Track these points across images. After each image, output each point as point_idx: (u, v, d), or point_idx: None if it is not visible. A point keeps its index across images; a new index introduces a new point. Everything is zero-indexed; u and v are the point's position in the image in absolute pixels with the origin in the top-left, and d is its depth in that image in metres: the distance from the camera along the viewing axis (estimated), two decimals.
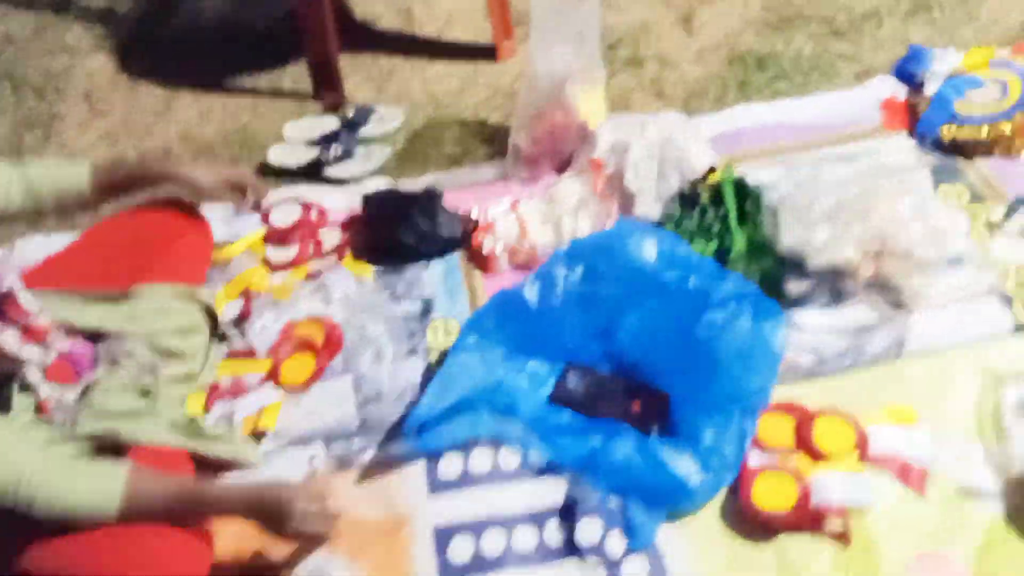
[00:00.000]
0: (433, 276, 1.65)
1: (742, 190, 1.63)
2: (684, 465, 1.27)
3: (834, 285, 1.53)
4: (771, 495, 1.27)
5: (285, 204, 1.80)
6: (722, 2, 2.25)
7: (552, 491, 1.32)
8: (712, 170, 1.69)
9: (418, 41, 2.28)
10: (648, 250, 1.44)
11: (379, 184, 1.84)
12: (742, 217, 1.61)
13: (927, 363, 1.42)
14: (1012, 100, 1.69)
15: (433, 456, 1.37)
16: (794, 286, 1.53)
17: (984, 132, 1.69)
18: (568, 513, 1.29)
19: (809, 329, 1.50)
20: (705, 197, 1.66)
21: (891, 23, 2.09)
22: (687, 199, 1.68)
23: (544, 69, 1.74)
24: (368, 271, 1.68)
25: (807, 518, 1.24)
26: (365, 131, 1.97)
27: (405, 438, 1.37)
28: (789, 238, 1.53)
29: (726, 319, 1.35)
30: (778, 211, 1.56)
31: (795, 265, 1.53)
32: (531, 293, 1.44)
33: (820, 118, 1.86)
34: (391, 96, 2.12)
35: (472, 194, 1.79)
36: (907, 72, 1.88)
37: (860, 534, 1.23)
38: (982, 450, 1.30)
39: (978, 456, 1.30)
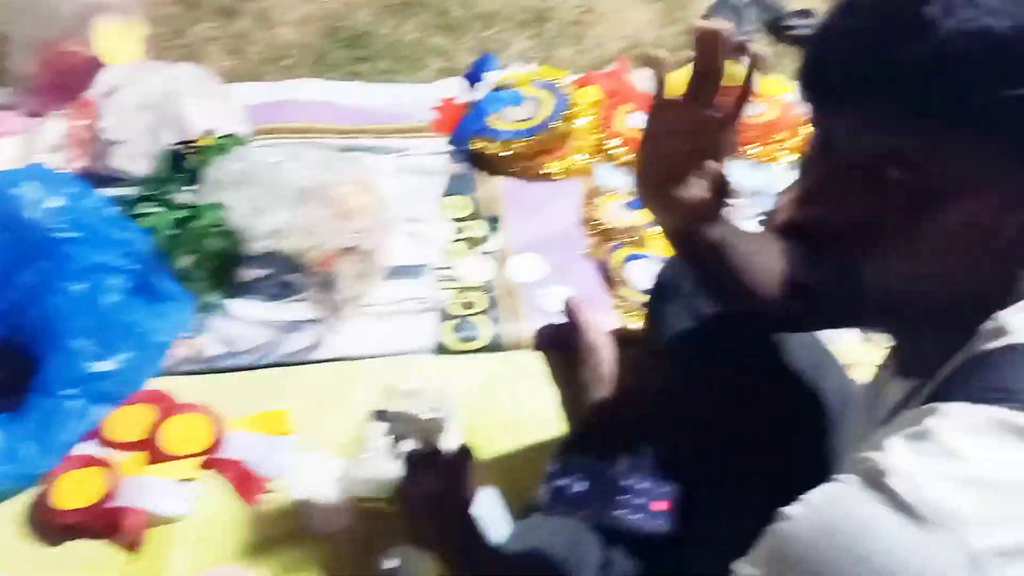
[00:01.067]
0: None
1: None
2: None
3: (285, 276, 1.43)
4: (74, 493, 1.14)
5: None
6: None
7: None
8: (210, 135, 1.55)
9: None
10: (45, 201, 1.28)
11: None
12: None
13: (333, 369, 1.34)
14: (537, 120, 1.64)
15: None
16: (244, 272, 1.42)
17: (508, 148, 1.63)
18: None
19: (239, 319, 1.39)
20: (193, 162, 1.53)
21: (501, 27, 2.03)
22: (176, 161, 1.54)
23: None
24: None
25: (100, 521, 1.12)
26: None
27: None
28: (240, 219, 1.41)
29: (86, 292, 1.21)
30: (239, 188, 1.44)
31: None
32: None
33: (373, 106, 1.77)
34: None
35: None
36: (475, 78, 1.82)
37: (156, 543, 1.12)
38: (342, 466, 1.22)
39: (336, 473, 1.22)
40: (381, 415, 0.99)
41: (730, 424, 0.94)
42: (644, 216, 1.53)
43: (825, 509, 0.51)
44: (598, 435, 1.14)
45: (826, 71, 0.56)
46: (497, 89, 1.71)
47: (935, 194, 0.54)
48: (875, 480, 0.50)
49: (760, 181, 1.64)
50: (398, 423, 0.97)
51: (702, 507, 0.97)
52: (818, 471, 0.61)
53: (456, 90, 1.81)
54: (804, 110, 0.59)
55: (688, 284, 1.05)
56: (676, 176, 0.73)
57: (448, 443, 0.97)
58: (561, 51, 1.99)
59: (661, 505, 1.03)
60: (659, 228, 0.81)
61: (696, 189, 0.74)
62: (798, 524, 0.52)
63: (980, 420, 0.51)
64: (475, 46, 1.97)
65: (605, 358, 1.29)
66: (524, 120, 1.66)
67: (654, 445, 1.06)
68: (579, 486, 1.04)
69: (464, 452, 0.93)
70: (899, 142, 0.53)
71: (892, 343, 0.71)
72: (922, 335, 0.64)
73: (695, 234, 0.78)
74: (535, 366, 1.36)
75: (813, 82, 0.58)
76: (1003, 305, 0.57)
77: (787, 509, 0.52)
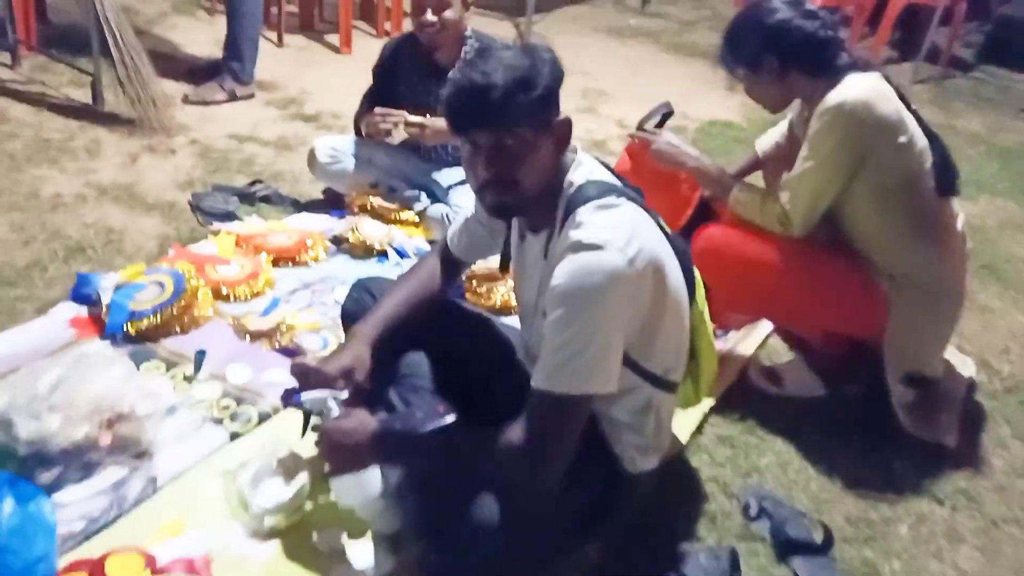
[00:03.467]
0: None
1: None
2: None
3: (81, 460, 1.75)
4: None
5: None
6: None
7: None
8: None
9: None
10: None
11: None
12: None
13: (181, 485, 1.75)
14: (168, 293, 2.19)
15: None
16: (45, 476, 1.70)
17: (157, 319, 2.15)
18: None
19: (73, 503, 1.68)
20: None
21: (54, 267, 2.44)
22: None
23: None
24: None
25: None
26: None
27: None
28: (26, 434, 1.69)
29: None
30: (10, 417, 1.71)
31: (40, 456, 1.71)
32: None
33: (19, 348, 2.07)
34: None
35: None
36: (83, 295, 2.25)
37: None
38: (240, 525, 1.67)
39: (239, 530, 1.66)
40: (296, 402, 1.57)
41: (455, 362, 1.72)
42: (274, 318, 2.25)
43: (569, 272, 1.38)
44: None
45: (457, 106, 1.45)
46: (119, 287, 2.20)
47: (526, 147, 1.48)
48: (576, 247, 1.40)
49: None
50: (316, 404, 1.57)
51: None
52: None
53: (75, 309, 2.22)
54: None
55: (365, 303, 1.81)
56: None
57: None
58: (115, 261, 2.50)
59: (441, 408, 1.78)
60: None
61: None
62: (558, 284, 1.40)
63: (591, 208, 1.46)
64: (49, 284, 2.35)
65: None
66: (158, 295, 2.19)
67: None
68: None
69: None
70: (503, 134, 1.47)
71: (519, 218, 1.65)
72: (542, 202, 1.58)
73: None
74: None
75: (450, 114, 1.48)
76: (564, 174, 1.54)
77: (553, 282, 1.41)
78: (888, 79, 2.08)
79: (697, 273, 1.68)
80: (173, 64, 4.05)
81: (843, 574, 1.73)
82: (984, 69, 5.99)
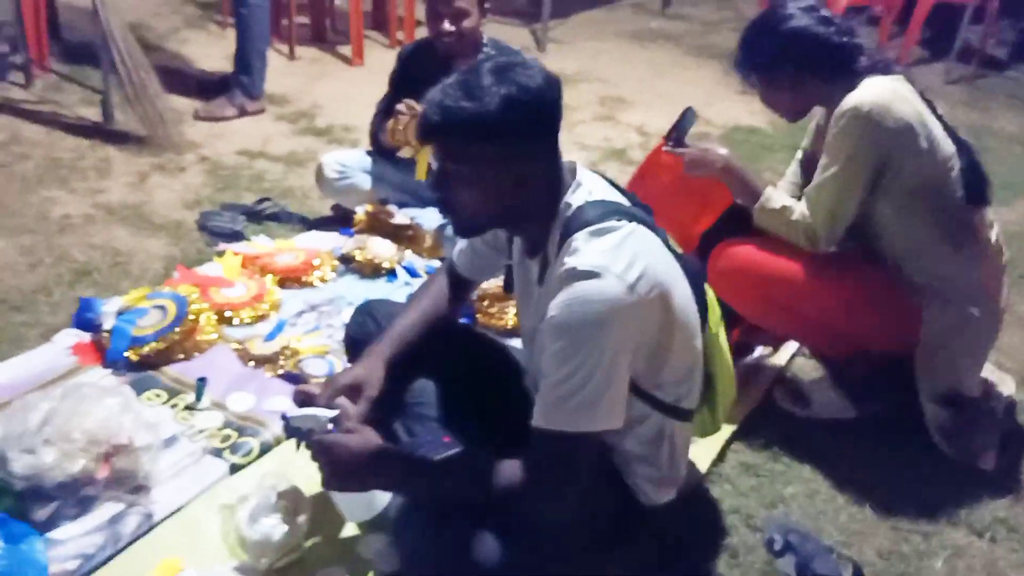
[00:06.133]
0: None
1: None
2: None
3: (78, 495, 1.69)
4: None
5: None
6: None
7: None
8: None
9: None
10: None
11: None
12: None
13: (178, 521, 1.69)
14: (171, 317, 2.14)
15: None
16: (41, 512, 1.65)
17: (160, 345, 2.10)
18: None
19: (68, 540, 1.62)
20: None
21: (60, 291, 2.40)
22: None
23: None
24: None
25: None
26: None
27: None
28: (21, 468, 1.64)
29: None
30: (3, 452, 1.66)
31: (36, 491, 1.65)
32: None
33: (20, 376, 2.02)
34: None
35: None
36: (85, 320, 2.20)
37: None
38: (238, 564, 1.61)
39: (237, 570, 1.60)
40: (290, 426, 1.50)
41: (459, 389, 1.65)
42: (279, 343, 2.19)
43: (565, 303, 1.30)
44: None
45: (427, 120, 1.35)
46: (121, 312, 2.15)
47: (469, 180, 1.37)
48: (572, 276, 1.32)
49: None
50: (305, 422, 1.49)
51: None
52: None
53: (77, 335, 2.17)
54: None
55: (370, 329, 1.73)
56: None
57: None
58: (121, 284, 2.45)
59: (447, 439, 1.71)
60: None
61: None
62: (554, 316, 1.31)
63: (587, 233, 1.36)
64: (53, 309, 2.31)
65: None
66: (161, 320, 2.14)
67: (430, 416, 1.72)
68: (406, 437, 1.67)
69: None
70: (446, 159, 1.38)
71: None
72: (534, 227, 1.50)
73: None
74: None
75: (420, 126, 1.39)
76: (560, 197, 1.45)
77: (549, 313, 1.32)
78: (911, 81, 1.98)
79: (712, 295, 1.60)
80: (184, 80, 4.02)
81: None
82: (1019, 68, 5.80)
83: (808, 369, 2.35)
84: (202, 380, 2.01)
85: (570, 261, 1.32)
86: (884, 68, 1.98)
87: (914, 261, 1.96)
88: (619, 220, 1.37)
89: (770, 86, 2.04)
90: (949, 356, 1.99)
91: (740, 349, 2.28)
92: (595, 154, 3.74)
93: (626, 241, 1.34)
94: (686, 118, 2.19)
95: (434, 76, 2.75)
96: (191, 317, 2.17)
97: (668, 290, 1.37)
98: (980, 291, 1.98)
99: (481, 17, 2.57)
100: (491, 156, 1.34)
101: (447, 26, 2.51)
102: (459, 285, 1.77)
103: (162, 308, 2.18)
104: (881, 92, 1.88)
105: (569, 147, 3.78)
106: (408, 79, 2.72)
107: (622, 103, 4.41)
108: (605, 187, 1.47)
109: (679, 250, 1.50)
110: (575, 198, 1.41)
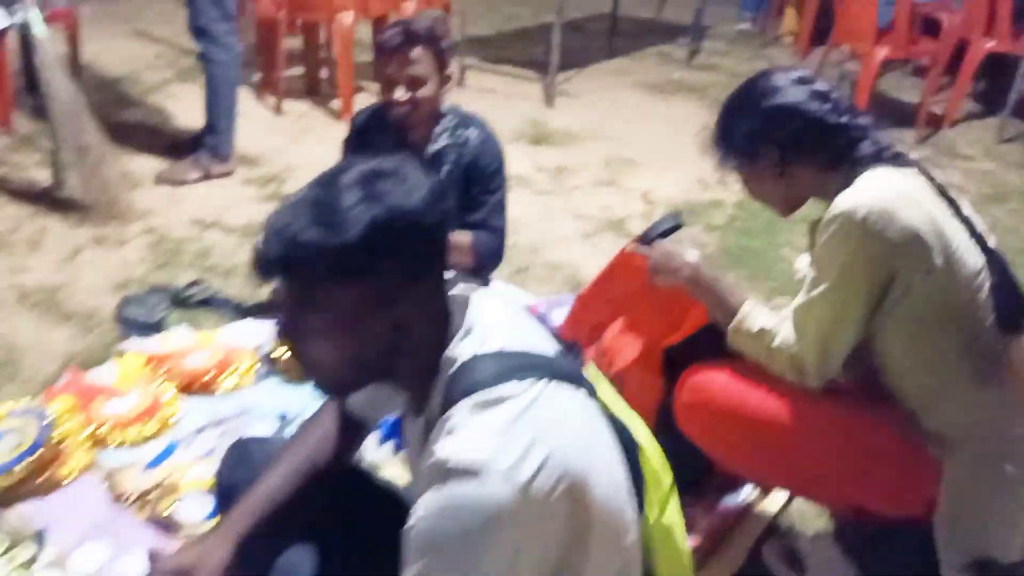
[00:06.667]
0: None
1: None
2: None
3: None
4: None
5: None
6: None
7: None
8: None
9: None
10: None
11: None
12: None
13: None
14: (26, 444, 1.80)
15: None
16: None
17: (11, 477, 1.75)
18: None
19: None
20: None
21: None
22: None
23: None
24: None
25: None
26: None
27: None
28: None
29: None
30: None
31: None
32: None
33: None
34: None
35: None
36: None
37: None
38: None
39: None
40: None
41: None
42: (165, 472, 1.83)
43: (432, 511, 0.94)
44: None
45: (264, 254, 0.99)
46: None
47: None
48: (442, 472, 0.93)
49: None
50: None
51: None
52: None
53: None
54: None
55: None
56: None
57: None
58: (6, 388, 2.13)
59: None
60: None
61: None
62: (417, 526, 0.94)
63: (470, 406, 0.98)
64: None
65: None
66: (14, 447, 1.79)
67: None
68: None
69: None
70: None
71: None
72: (413, 384, 1.12)
73: None
74: None
75: (255, 261, 1.01)
76: (443, 348, 1.06)
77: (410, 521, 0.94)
78: (928, 174, 1.56)
79: (656, 460, 1.20)
80: (157, 138, 3.76)
81: None
82: None
83: (810, 517, 1.90)
84: (40, 533, 1.65)
85: (443, 449, 0.96)
86: (893, 157, 1.56)
87: (931, 404, 1.53)
88: (521, 380, 1.00)
89: (752, 173, 1.65)
90: (978, 522, 1.54)
91: (721, 488, 1.87)
92: (590, 224, 3.35)
93: (523, 417, 0.97)
94: (666, 222, 1.80)
95: (388, 146, 2.52)
96: (56, 441, 1.83)
97: (583, 480, 1.00)
98: (1017, 441, 1.53)
99: (442, 85, 2.23)
100: (353, 301, 1.00)
101: (400, 95, 2.17)
102: (351, 427, 1.39)
103: (19, 431, 1.84)
104: (883, 192, 1.47)
105: (562, 216, 3.40)
106: (362, 148, 2.40)
107: (629, 165, 4.00)
108: (509, 327, 1.10)
109: (614, 410, 1.14)
110: (461, 349, 1.05)
